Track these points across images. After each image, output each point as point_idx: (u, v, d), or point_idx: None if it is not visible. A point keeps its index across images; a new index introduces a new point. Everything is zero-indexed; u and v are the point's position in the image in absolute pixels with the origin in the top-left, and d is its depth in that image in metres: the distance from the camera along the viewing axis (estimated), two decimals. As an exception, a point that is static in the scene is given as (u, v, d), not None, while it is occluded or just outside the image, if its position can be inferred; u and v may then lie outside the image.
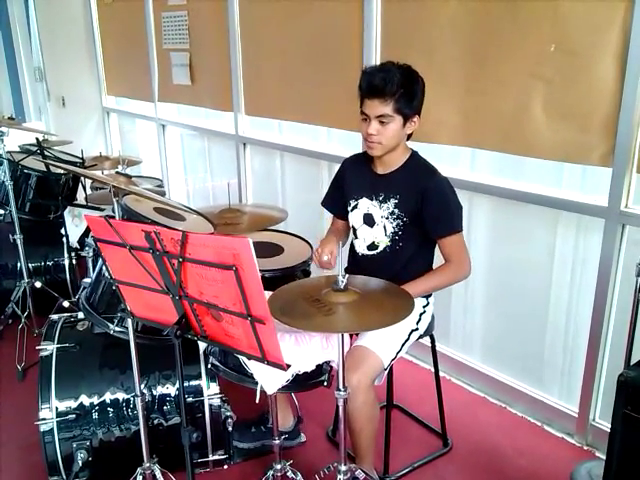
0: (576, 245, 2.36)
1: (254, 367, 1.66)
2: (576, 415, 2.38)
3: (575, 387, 2.39)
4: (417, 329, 2.04)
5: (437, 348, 2.29)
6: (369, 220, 2.04)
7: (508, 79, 2.23)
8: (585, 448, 2.34)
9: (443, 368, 2.67)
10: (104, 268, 1.97)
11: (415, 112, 1.90)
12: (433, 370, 2.32)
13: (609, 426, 1.71)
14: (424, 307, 2.08)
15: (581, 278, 2.37)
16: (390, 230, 2.00)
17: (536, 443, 2.39)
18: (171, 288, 1.37)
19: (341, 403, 1.63)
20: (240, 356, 1.63)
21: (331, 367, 1.81)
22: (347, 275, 1.58)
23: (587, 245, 2.32)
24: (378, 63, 1.96)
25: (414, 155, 2.02)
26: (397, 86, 1.82)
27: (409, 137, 2.00)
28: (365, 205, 2.04)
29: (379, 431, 2.01)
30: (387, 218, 1.99)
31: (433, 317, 2.16)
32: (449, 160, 2.65)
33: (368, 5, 2.67)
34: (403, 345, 1.98)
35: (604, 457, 2.12)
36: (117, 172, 2.00)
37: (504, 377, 2.68)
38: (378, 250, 2.04)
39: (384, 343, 1.91)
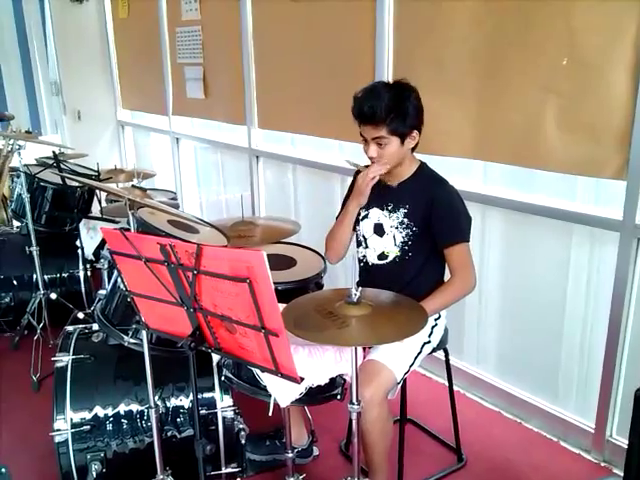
0: (590, 258, 2.35)
1: (267, 380, 1.65)
2: (592, 431, 2.35)
3: (591, 402, 2.36)
4: (429, 342, 2.03)
5: (451, 362, 2.27)
6: (379, 230, 2.05)
7: (520, 92, 2.23)
8: (602, 465, 2.31)
9: (457, 382, 2.64)
10: (119, 280, 1.99)
11: (412, 128, 1.91)
12: (447, 384, 2.30)
13: (627, 442, 1.69)
14: (436, 320, 2.07)
15: (596, 292, 2.35)
16: (399, 240, 2.00)
17: (552, 459, 2.36)
18: (185, 300, 1.38)
19: (354, 417, 1.62)
20: (253, 368, 1.63)
21: (344, 380, 1.80)
22: (360, 288, 1.58)
23: (602, 258, 2.30)
24: (371, 83, 1.96)
25: (423, 166, 2.04)
26: (386, 111, 1.83)
27: (414, 149, 2.00)
28: (376, 215, 2.06)
29: (393, 446, 2.00)
30: (397, 228, 2.00)
31: (446, 330, 2.15)
32: (461, 172, 2.65)
33: (380, 18, 2.69)
34: (416, 358, 1.97)
35: (621, 474, 2.09)
36: (133, 185, 2.02)
37: (519, 392, 2.65)
38: (388, 260, 2.05)
39: (397, 357, 1.90)
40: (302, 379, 1.33)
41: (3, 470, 1.43)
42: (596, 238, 2.29)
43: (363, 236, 2.12)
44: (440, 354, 2.20)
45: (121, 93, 5.45)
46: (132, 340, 1.97)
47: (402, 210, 1.98)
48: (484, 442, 2.47)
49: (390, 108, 1.83)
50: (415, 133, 1.92)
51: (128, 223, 1.80)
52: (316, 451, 2.37)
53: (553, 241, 2.45)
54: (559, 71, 2.09)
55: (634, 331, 2.17)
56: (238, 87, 3.76)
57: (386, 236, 2.03)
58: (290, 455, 1.91)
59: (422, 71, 2.49)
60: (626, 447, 1.68)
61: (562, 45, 2.07)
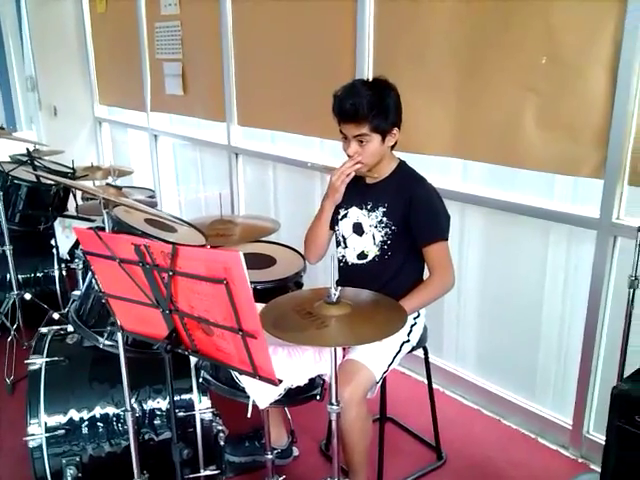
0: (568, 256, 2.36)
1: (246, 381, 1.64)
2: (570, 427, 2.37)
3: (569, 399, 2.38)
4: (409, 341, 2.03)
5: (430, 360, 2.27)
6: (358, 229, 2.04)
7: (500, 90, 2.24)
8: (580, 461, 2.33)
9: (437, 380, 2.65)
10: (93, 281, 1.95)
11: (393, 125, 1.90)
12: (427, 382, 2.30)
13: (603, 438, 1.71)
14: (415, 319, 2.07)
15: (573, 289, 2.37)
16: (379, 239, 1.99)
17: (530, 455, 2.38)
18: (161, 302, 1.35)
19: (334, 417, 1.61)
20: (232, 370, 1.61)
21: (324, 381, 1.79)
22: (340, 288, 1.57)
23: (579, 256, 2.32)
24: (349, 82, 1.94)
25: (401, 165, 2.03)
26: (368, 108, 1.83)
27: (393, 147, 2.00)
28: (355, 214, 2.04)
29: (372, 444, 1.99)
30: (376, 227, 1.99)
31: (425, 328, 2.15)
32: (440, 171, 2.65)
33: (361, 16, 2.68)
34: (395, 357, 1.97)
35: (599, 470, 2.11)
36: (107, 184, 1.99)
37: (498, 389, 2.67)
38: (367, 259, 2.04)
39: (376, 356, 1.90)
40: (280, 381, 1.31)
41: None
42: (573, 236, 2.31)
43: (342, 236, 2.10)
44: (419, 352, 2.19)
45: (98, 89, 5.36)
46: (107, 342, 1.93)
47: (381, 209, 1.98)
48: (464, 440, 2.48)
49: (372, 105, 1.82)
50: (395, 130, 1.92)
51: (104, 222, 1.77)
52: (296, 452, 2.36)
53: (531, 239, 2.46)
54: (538, 70, 2.10)
55: (610, 328, 2.19)
56: (217, 84, 3.72)
57: (365, 235, 2.02)
58: (270, 456, 1.90)
59: (402, 69, 2.48)
60: (603, 443, 1.69)
61: (541, 44, 2.08)
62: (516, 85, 2.18)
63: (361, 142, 1.88)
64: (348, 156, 1.95)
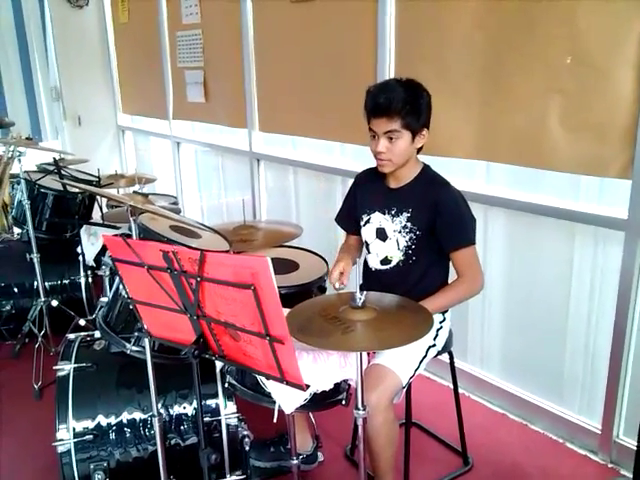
0: (594, 258, 2.33)
1: (272, 386, 1.64)
2: (599, 432, 2.33)
3: (597, 403, 2.34)
4: (434, 345, 2.01)
5: (455, 364, 2.25)
6: (382, 234, 2.03)
7: (524, 91, 2.22)
8: (609, 466, 2.29)
9: (462, 384, 2.62)
10: (121, 287, 1.97)
11: (423, 126, 1.89)
12: (452, 387, 2.29)
13: (633, 443, 1.69)
14: (441, 323, 2.06)
15: (600, 291, 2.33)
16: (403, 244, 1.98)
17: (559, 461, 2.35)
18: (189, 308, 1.36)
19: (360, 422, 1.60)
20: (258, 375, 1.61)
21: (349, 385, 1.79)
22: (365, 292, 1.57)
23: (606, 258, 2.28)
24: (384, 80, 1.94)
25: (425, 169, 2.01)
26: (402, 103, 1.81)
27: (419, 151, 1.99)
28: (377, 219, 2.03)
29: (398, 450, 1.98)
30: (400, 232, 1.98)
31: (451, 333, 2.13)
32: (464, 173, 2.64)
33: (381, 20, 2.67)
34: (421, 362, 1.96)
35: (629, 475, 2.07)
36: (134, 191, 2.01)
37: (524, 393, 2.63)
38: (391, 265, 2.03)
39: (402, 361, 1.89)
40: (308, 386, 1.31)
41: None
42: (600, 238, 2.28)
43: (365, 241, 2.10)
44: (444, 356, 2.18)
45: (121, 98, 5.45)
46: (134, 348, 1.94)
47: (405, 214, 1.96)
48: (490, 445, 2.45)
49: (406, 101, 1.82)
50: (425, 132, 1.90)
51: (129, 229, 1.79)
52: (321, 457, 2.35)
53: (557, 241, 2.43)
54: (563, 71, 2.07)
55: (640, 331, 2.16)
56: (239, 90, 3.75)
57: (389, 241, 2.01)
58: (295, 462, 1.90)
59: (424, 72, 2.46)
60: (633, 448, 1.67)
61: (566, 44, 2.05)
62: (541, 86, 2.16)
63: (390, 139, 1.86)
64: (375, 155, 1.92)
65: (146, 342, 1.70)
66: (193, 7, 4.00)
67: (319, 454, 2.34)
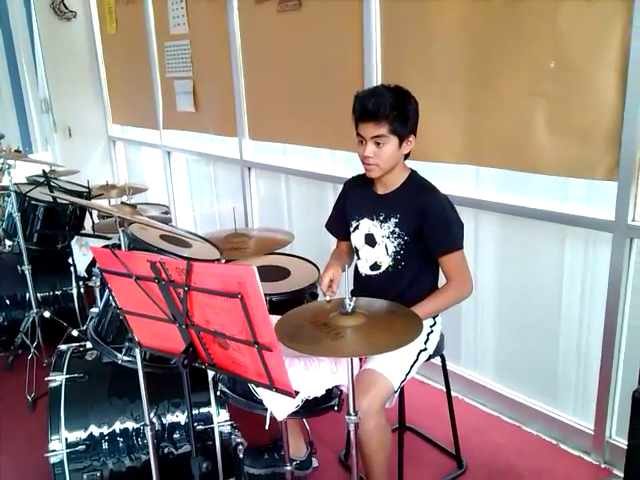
0: (585, 260, 2.35)
1: (263, 393, 1.64)
2: (592, 432, 2.34)
3: (590, 404, 2.35)
4: (426, 349, 2.02)
5: (448, 367, 2.26)
6: (370, 240, 2.04)
7: (509, 96, 2.24)
8: (603, 466, 2.30)
9: (455, 388, 2.63)
10: (111, 298, 1.97)
11: (410, 132, 1.91)
12: (445, 390, 2.29)
13: (626, 443, 1.69)
14: (431, 327, 2.07)
15: (591, 293, 2.35)
16: (392, 250, 1.99)
17: (552, 462, 2.36)
18: (177, 317, 1.37)
19: (352, 428, 1.61)
20: (249, 383, 1.62)
21: (341, 391, 1.79)
22: (354, 298, 1.58)
23: (596, 259, 2.30)
24: (372, 86, 1.96)
25: (413, 174, 2.03)
26: (390, 108, 1.83)
27: (407, 157, 2.00)
28: (366, 225, 2.05)
29: (392, 454, 1.98)
30: (388, 237, 1.99)
31: (442, 336, 2.14)
32: (453, 177, 2.65)
33: (367, 26, 2.69)
34: (412, 366, 1.96)
35: (622, 475, 2.08)
36: (122, 202, 2.02)
37: (517, 395, 2.64)
38: (381, 270, 2.04)
39: (393, 365, 1.89)
40: (297, 393, 1.32)
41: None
42: (590, 239, 2.30)
43: (355, 247, 2.11)
44: (437, 360, 2.19)
45: (111, 108, 5.45)
46: (126, 358, 1.95)
47: (393, 220, 1.97)
48: (484, 447, 2.46)
49: (393, 106, 1.83)
50: (412, 138, 1.92)
51: (120, 239, 1.80)
52: (315, 462, 2.35)
53: (547, 244, 2.45)
54: (547, 75, 2.10)
55: (630, 331, 2.17)
56: (228, 99, 3.76)
57: (378, 246, 2.02)
58: (289, 468, 1.90)
59: (411, 78, 2.49)
60: (626, 448, 1.67)
61: (549, 49, 2.08)
62: (525, 90, 2.18)
63: (378, 144, 1.87)
64: (362, 160, 1.93)
65: (137, 352, 1.71)
66: (181, 17, 4.02)
67: (313, 460, 2.34)
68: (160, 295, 1.35)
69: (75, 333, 3.12)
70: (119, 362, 1.95)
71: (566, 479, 2.26)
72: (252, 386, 1.67)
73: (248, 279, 1.16)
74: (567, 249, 2.39)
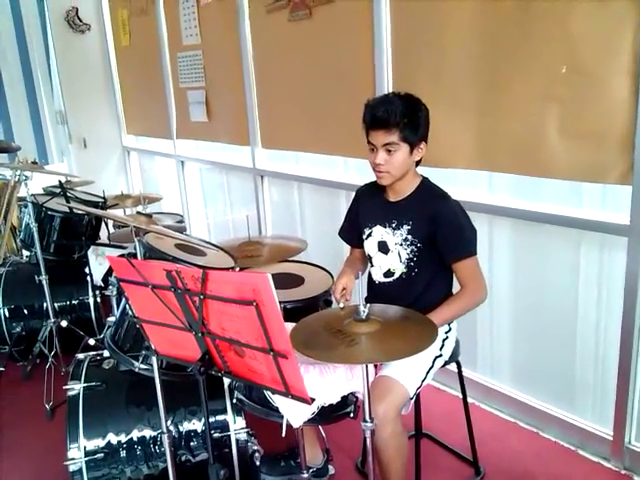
0: (601, 264, 2.33)
1: (279, 401, 1.65)
2: (611, 438, 2.32)
3: (608, 409, 2.33)
4: (441, 355, 2.02)
5: (464, 374, 2.25)
6: (383, 247, 2.04)
7: (521, 101, 2.24)
8: (623, 472, 2.27)
9: (471, 394, 2.62)
10: (127, 307, 1.99)
11: (421, 139, 1.91)
12: (461, 396, 2.28)
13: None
14: (446, 333, 2.06)
15: (608, 297, 2.33)
16: (405, 256, 1.99)
17: (571, 468, 2.33)
18: (193, 325, 1.38)
19: (368, 434, 1.61)
20: (265, 390, 1.63)
21: (357, 398, 1.79)
22: (368, 305, 1.58)
23: (612, 264, 2.28)
24: (382, 94, 1.97)
25: (424, 181, 2.03)
26: (400, 116, 1.84)
27: (418, 164, 2.01)
28: (379, 233, 2.05)
29: (409, 461, 1.97)
30: (401, 245, 1.99)
31: (458, 343, 2.14)
32: (467, 183, 2.65)
33: (378, 34, 2.70)
34: (428, 373, 1.96)
35: (642, 482, 2.05)
36: (138, 212, 2.04)
37: (534, 401, 2.62)
38: (394, 277, 2.04)
39: (409, 372, 1.89)
40: (313, 400, 1.32)
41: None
42: (605, 244, 2.28)
43: (368, 255, 2.11)
44: (453, 366, 2.18)
45: (125, 119, 5.52)
46: (143, 366, 1.96)
47: (405, 227, 1.98)
48: (501, 454, 2.44)
49: (404, 114, 1.84)
50: (423, 145, 1.92)
51: (135, 249, 1.82)
52: (332, 470, 2.35)
53: (562, 249, 2.43)
54: (559, 79, 2.09)
55: (648, 335, 2.15)
56: (240, 108, 3.79)
57: (391, 253, 2.02)
58: (306, 475, 1.90)
59: (422, 84, 2.50)
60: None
61: (561, 53, 2.07)
62: (537, 95, 2.17)
63: (389, 151, 1.88)
64: (374, 167, 1.94)
65: (154, 360, 1.72)
66: (193, 28, 4.06)
67: (330, 467, 2.35)
68: (176, 303, 1.36)
69: (92, 342, 3.14)
70: (136, 370, 1.97)
71: (585, 486, 2.24)
72: (268, 393, 1.68)
73: (262, 286, 1.17)
74: (582, 254, 2.37)
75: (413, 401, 1.95)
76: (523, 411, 2.65)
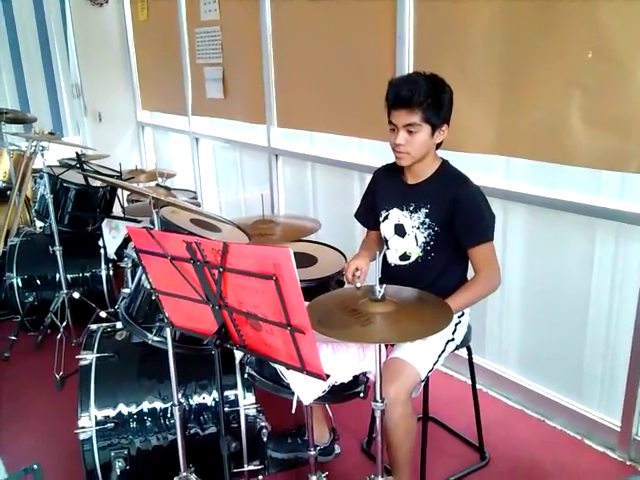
0: (615, 254, 2.32)
1: (291, 377, 1.66)
2: (618, 429, 2.32)
3: (616, 400, 2.33)
4: (453, 339, 2.02)
5: (473, 360, 2.25)
6: (400, 230, 2.03)
7: (544, 87, 2.21)
8: (628, 463, 2.28)
9: (479, 380, 2.61)
10: (143, 278, 2.00)
11: (443, 121, 1.89)
12: (470, 382, 2.29)
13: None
14: (459, 317, 2.06)
15: (621, 287, 2.32)
16: (422, 240, 1.98)
17: (576, 457, 2.34)
18: (211, 298, 1.38)
19: (378, 414, 1.62)
20: (277, 366, 1.63)
21: (367, 378, 1.79)
22: (385, 285, 1.58)
23: (627, 254, 2.27)
24: (407, 73, 1.94)
25: (444, 164, 2.01)
26: (424, 96, 1.81)
27: (438, 146, 1.98)
28: (396, 215, 2.04)
29: (415, 443, 1.98)
30: (418, 228, 1.98)
31: (469, 328, 2.14)
32: (483, 168, 2.63)
33: (400, 15, 2.67)
34: (439, 356, 1.96)
35: (649, 473, 2.06)
36: (157, 184, 2.04)
37: (542, 389, 2.63)
38: (410, 260, 2.03)
39: (421, 355, 1.90)
40: (328, 376, 1.33)
41: (35, 467, 1.45)
42: (621, 233, 2.26)
43: (384, 237, 2.10)
44: (462, 351, 2.18)
45: (141, 94, 5.51)
46: (156, 338, 1.97)
47: (423, 210, 1.96)
48: (507, 440, 2.45)
49: (428, 94, 1.82)
50: (445, 127, 1.90)
51: (151, 223, 1.82)
52: (338, 449, 2.37)
53: (577, 237, 2.42)
54: (584, 65, 2.06)
55: (661, 328, 2.14)
56: (257, 86, 3.77)
57: (407, 237, 2.01)
58: (312, 453, 1.91)
59: (443, 67, 2.45)
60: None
61: (587, 39, 2.04)
62: (561, 81, 2.15)
63: (410, 132, 1.86)
64: (393, 148, 1.92)
65: (168, 332, 1.73)
66: (212, 4, 4.02)
67: (336, 446, 2.36)
68: (194, 276, 1.37)
69: (103, 314, 3.18)
70: (149, 342, 1.98)
71: (590, 475, 2.24)
72: (280, 370, 1.69)
73: (284, 261, 1.17)
74: (598, 243, 2.35)
75: (423, 384, 1.95)
76: (530, 399, 2.66)
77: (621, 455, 2.31)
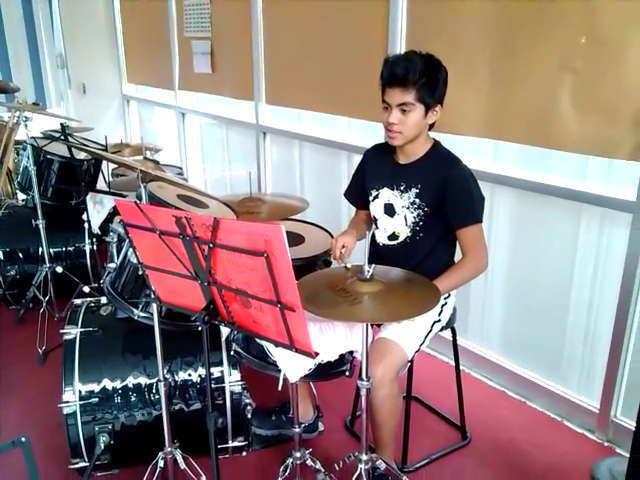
0: (599, 239, 2.34)
1: (277, 354, 1.66)
2: (597, 411, 2.36)
3: (596, 383, 2.37)
4: (439, 320, 2.03)
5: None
6: (390, 210, 2.03)
7: (536, 70, 2.20)
8: (606, 444, 2.32)
9: (462, 361, 2.62)
10: (129, 253, 1.98)
11: (437, 102, 1.88)
12: (453, 363, 2.31)
13: (631, 423, 1.71)
14: (445, 299, 2.07)
15: (604, 272, 2.34)
16: (411, 220, 1.98)
17: (556, 438, 2.38)
18: (200, 274, 1.37)
19: (364, 393, 1.63)
20: (264, 343, 1.63)
21: (353, 357, 1.80)
22: (373, 265, 1.58)
23: (611, 239, 2.29)
24: (402, 52, 1.92)
25: (436, 145, 2.00)
26: (419, 75, 1.80)
27: (431, 127, 1.97)
28: (386, 195, 2.03)
29: (399, 422, 2.00)
30: (408, 208, 1.98)
31: (455, 309, 2.15)
32: (471, 151, 2.63)
33: (393, -6, 2.64)
34: (426, 337, 1.98)
35: (625, 454, 2.11)
36: (145, 157, 2.00)
37: (524, 371, 2.66)
38: (399, 240, 2.03)
39: (407, 335, 1.91)
40: (317, 353, 1.33)
41: (23, 439, 1.44)
42: (606, 219, 2.28)
43: (374, 217, 2.10)
44: (445, 333, 2.19)
45: (127, 67, 5.41)
46: (142, 314, 1.96)
47: (414, 190, 1.96)
48: (488, 421, 2.49)
49: (423, 73, 1.80)
50: (438, 108, 1.89)
51: (138, 196, 1.79)
52: (321, 426, 2.39)
53: (562, 221, 2.44)
54: (576, 50, 2.06)
55: (642, 313, 2.17)
56: (246, 62, 3.72)
57: (397, 216, 2.01)
58: (297, 430, 1.92)
59: (435, 48, 2.41)
60: (630, 427, 1.69)
61: (580, 23, 2.03)
62: (552, 65, 2.14)
63: (404, 111, 1.84)
64: (386, 127, 1.91)
65: (154, 308, 1.72)
66: (202, -24, 3.95)
67: (319, 424, 2.38)
68: (183, 251, 1.35)
69: (86, 289, 3.15)
70: (135, 318, 1.97)
71: (568, 456, 2.28)
72: (266, 347, 1.69)
73: (275, 238, 1.16)
74: (582, 227, 2.38)
75: (408, 364, 1.97)
76: (512, 380, 2.69)
77: (599, 436, 2.36)
